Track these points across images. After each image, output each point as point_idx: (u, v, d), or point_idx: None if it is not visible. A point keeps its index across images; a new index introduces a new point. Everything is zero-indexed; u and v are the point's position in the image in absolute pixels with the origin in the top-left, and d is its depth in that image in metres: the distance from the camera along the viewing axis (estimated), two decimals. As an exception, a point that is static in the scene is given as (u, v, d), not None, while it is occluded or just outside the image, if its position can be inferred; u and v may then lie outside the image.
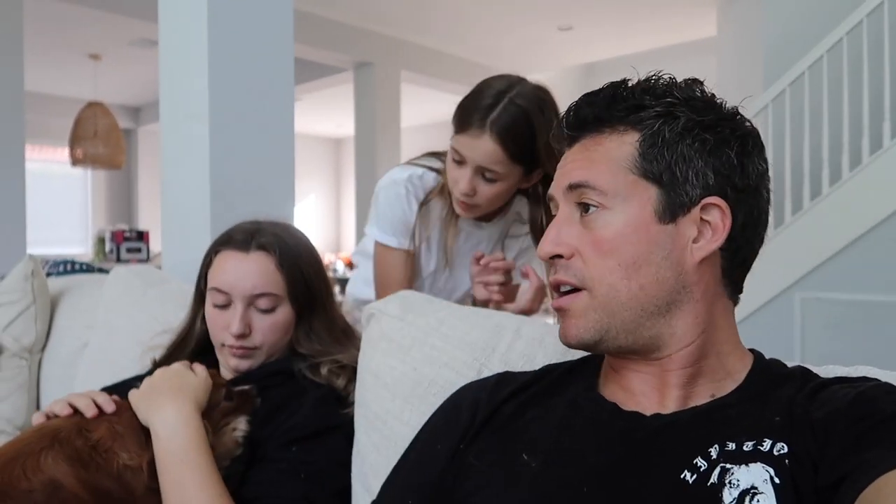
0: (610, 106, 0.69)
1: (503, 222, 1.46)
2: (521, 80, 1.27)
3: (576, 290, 0.68)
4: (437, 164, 1.42)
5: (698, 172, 0.65)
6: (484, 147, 1.21)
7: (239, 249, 1.08)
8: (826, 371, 0.70)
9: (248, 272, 1.06)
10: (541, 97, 1.25)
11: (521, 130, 1.21)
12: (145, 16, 4.56)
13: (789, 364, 0.70)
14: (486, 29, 6.02)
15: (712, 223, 0.65)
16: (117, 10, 4.67)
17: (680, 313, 0.65)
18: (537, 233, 1.38)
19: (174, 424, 0.89)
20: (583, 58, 7.19)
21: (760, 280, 3.88)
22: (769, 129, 4.01)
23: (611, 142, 0.68)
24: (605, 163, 0.67)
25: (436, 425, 0.79)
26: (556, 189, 0.71)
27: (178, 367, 0.99)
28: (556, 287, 0.70)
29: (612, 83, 0.70)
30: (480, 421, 0.73)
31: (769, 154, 4.21)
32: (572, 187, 0.68)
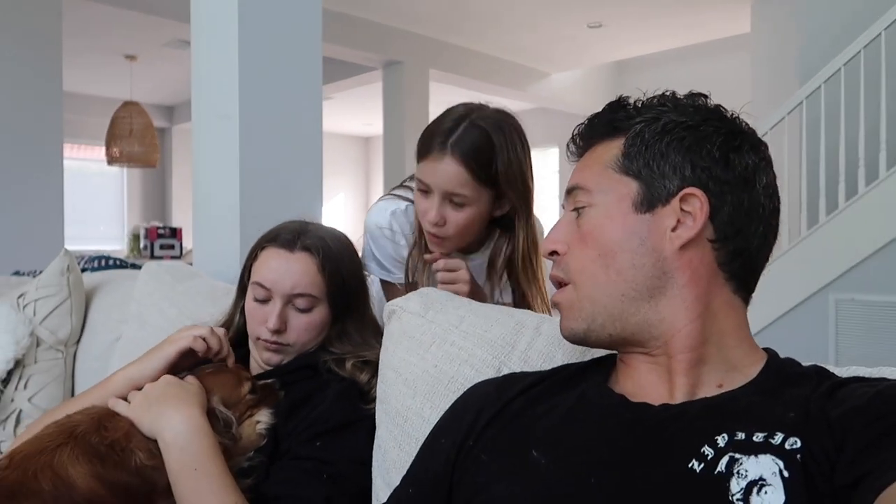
0: (607, 121, 0.75)
1: (488, 252, 1.39)
2: (481, 106, 1.26)
3: (565, 285, 0.74)
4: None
5: (675, 167, 0.69)
6: (447, 170, 1.19)
7: (284, 248, 1.11)
8: (846, 372, 0.69)
9: (290, 271, 1.09)
10: (500, 119, 1.24)
11: (483, 150, 1.19)
12: (180, 17, 4.64)
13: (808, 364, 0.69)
14: (516, 27, 6.00)
15: (692, 213, 0.68)
16: (152, 11, 4.77)
17: (664, 298, 0.68)
18: (491, 267, 1.35)
19: (186, 433, 0.88)
20: (613, 55, 7.12)
21: (793, 280, 3.81)
22: (803, 126, 3.94)
23: (602, 147, 0.75)
24: (593, 166, 0.74)
25: (443, 421, 0.81)
26: (563, 196, 0.78)
27: (170, 378, 0.98)
28: (556, 285, 0.76)
29: (610, 103, 0.76)
30: (487, 418, 0.75)
31: (803, 152, 4.14)
32: (569, 192, 0.76)
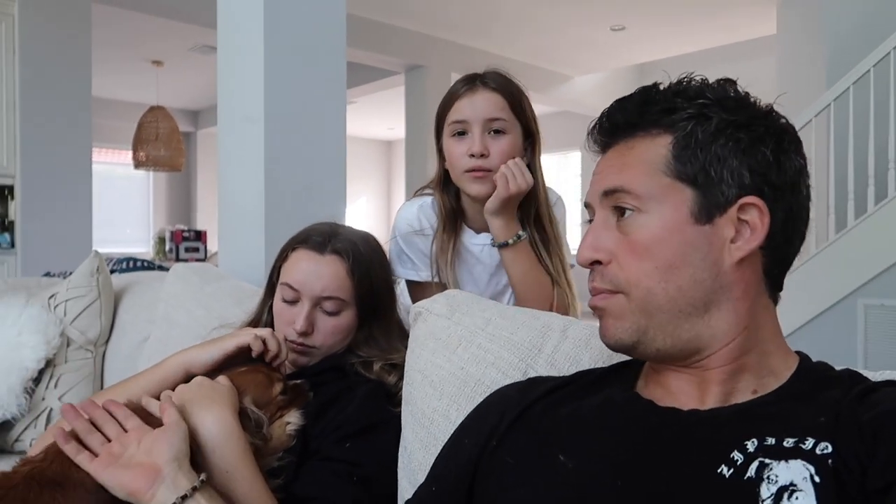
0: (642, 110, 0.69)
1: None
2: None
3: (613, 291, 0.68)
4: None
5: (733, 172, 0.65)
6: (484, 97, 1.29)
7: (315, 250, 1.11)
8: (879, 377, 0.68)
9: (320, 274, 1.10)
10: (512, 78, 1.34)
11: (511, 84, 1.32)
12: (206, 22, 4.70)
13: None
14: (538, 30, 5.99)
15: (750, 222, 0.65)
16: (179, 17, 4.84)
17: (718, 312, 0.65)
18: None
19: (219, 436, 0.87)
20: (635, 58, 7.08)
21: (822, 285, 3.74)
22: (831, 129, 3.87)
23: (643, 145, 0.68)
24: (638, 166, 0.67)
25: (467, 422, 0.81)
26: (592, 195, 0.72)
27: (202, 378, 0.97)
28: (595, 294, 0.71)
29: (643, 87, 0.70)
30: (510, 420, 0.74)
31: (830, 155, 4.07)
32: (607, 193, 0.69)
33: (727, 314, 0.65)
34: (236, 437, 0.89)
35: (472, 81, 1.31)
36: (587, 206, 0.73)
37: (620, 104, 0.71)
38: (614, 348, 0.69)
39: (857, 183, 3.92)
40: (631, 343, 0.67)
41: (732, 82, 0.69)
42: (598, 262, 0.69)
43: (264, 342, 1.04)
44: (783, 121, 0.68)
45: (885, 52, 3.72)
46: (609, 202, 0.69)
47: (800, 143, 0.68)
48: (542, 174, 1.37)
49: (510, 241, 1.30)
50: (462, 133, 1.30)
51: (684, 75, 0.70)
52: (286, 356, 1.08)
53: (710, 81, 0.69)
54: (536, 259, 1.34)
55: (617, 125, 0.71)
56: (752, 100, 0.68)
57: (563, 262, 1.38)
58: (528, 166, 1.32)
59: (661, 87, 0.70)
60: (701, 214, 0.65)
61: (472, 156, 1.27)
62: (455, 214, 1.39)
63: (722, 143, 0.65)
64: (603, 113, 0.72)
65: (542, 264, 1.35)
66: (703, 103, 0.66)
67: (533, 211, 1.36)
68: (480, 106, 1.28)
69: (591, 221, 0.73)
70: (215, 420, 0.88)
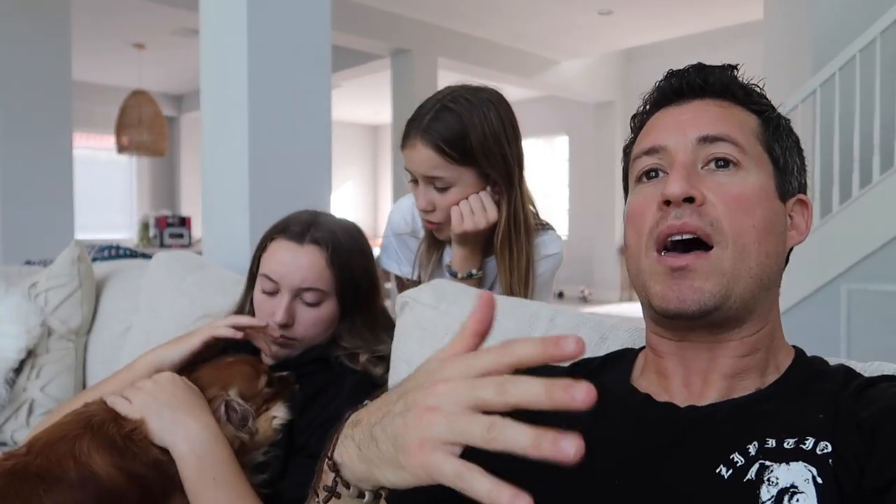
0: (731, 80, 0.69)
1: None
2: (460, 87, 1.25)
3: (700, 247, 0.62)
4: None
5: (798, 168, 0.68)
6: (419, 155, 1.20)
7: (293, 240, 1.09)
8: (872, 368, 0.68)
9: (299, 265, 1.07)
10: (475, 96, 1.22)
11: (452, 129, 1.18)
12: (188, 5, 4.64)
13: (834, 360, 0.68)
14: (525, 14, 5.96)
15: (795, 219, 0.67)
16: (160, -1, 4.77)
17: (768, 295, 0.64)
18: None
19: (204, 443, 0.86)
20: (623, 43, 7.06)
21: (805, 270, 3.78)
22: (817, 114, 3.89)
23: (738, 110, 0.67)
24: (739, 125, 0.66)
25: None
26: (679, 137, 0.65)
27: (175, 378, 0.95)
28: (677, 233, 0.62)
29: (723, 66, 0.69)
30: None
31: (816, 140, 4.09)
32: (709, 139, 0.64)
33: (772, 301, 0.66)
34: (222, 444, 0.88)
35: (417, 126, 1.21)
36: (655, 150, 0.66)
37: (706, 67, 0.69)
38: (690, 314, 0.61)
39: (843, 168, 3.94)
40: (713, 307, 0.61)
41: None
42: (691, 200, 0.62)
43: (231, 328, 1.04)
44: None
45: (871, 37, 3.73)
46: (707, 150, 0.64)
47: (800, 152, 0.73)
48: (525, 207, 1.28)
49: (460, 275, 1.26)
50: (414, 181, 1.26)
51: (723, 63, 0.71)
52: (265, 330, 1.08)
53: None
54: None
55: (710, 83, 0.68)
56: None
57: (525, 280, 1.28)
58: (506, 197, 1.24)
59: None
60: (778, 192, 0.66)
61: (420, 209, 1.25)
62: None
63: (793, 139, 0.68)
64: (689, 68, 0.69)
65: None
66: (766, 102, 0.69)
67: (499, 243, 1.25)
68: (418, 163, 1.21)
69: (648, 174, 0.66)
70: (200, 427, 0.87)
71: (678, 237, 0.62)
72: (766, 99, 0.70)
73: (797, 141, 0.69)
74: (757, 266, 0.62)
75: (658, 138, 0.66)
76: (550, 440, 0.40)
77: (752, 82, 0.70)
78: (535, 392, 0.42)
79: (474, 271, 1.26)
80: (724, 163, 0.64)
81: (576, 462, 0.39)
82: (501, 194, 1.24)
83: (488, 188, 1.23)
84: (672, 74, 0.70)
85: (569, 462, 0.40)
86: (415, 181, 1.25)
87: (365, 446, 0.48)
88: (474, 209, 1.20)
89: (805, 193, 0.69)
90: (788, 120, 0.70)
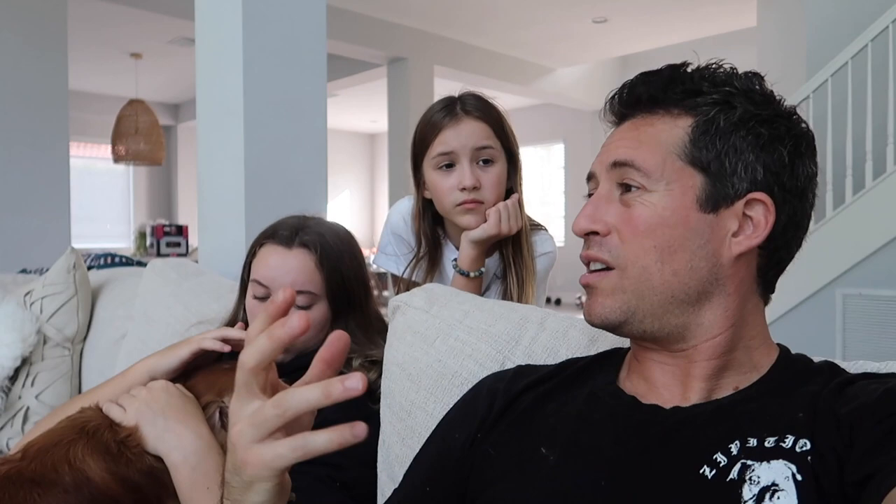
0: (667, 87, 0.68)
1: (492, 259, 1.40)
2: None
3: (606, 269, 0.67)
4: None
5: (748, 166, 0.64)
6: (470, 126, 1.25)
7: (282, 244, 1.10)
8: (856, 367, 0.68)
9: (288, 268, 1.08)
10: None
11: (492, 109, 1.28)
12: (185, 14, 4.66)
13: (820, 360, 0.68)
14: (521, 23, 5.99)
15: (755, 219, 0.64)
16: (157, 9, 4.78)
17: (709, 305, 0.65)
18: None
19: (198, 452, 0.86)
20: (618, 50, 7.10)
21: (800, 275, 3.79)
22: (810, 120, 3.91)
23: (663, 124, 0.67)
24: (653, 145, 0.66)
25: (453, 416, 0.79)
26: (599, 165, 0.70)
27: (169, 386, 0.95)
28: (587, 263, 0.69)
29: (672, 65, 0.69)
30: (497, 411, 0.73)
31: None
32: (616, 165, 0.67)
33: (718, 308, 0.65)
34: (215, 453, 0.87)
35: (453, 109, 1.26)
36: (590, 176, 0.71)
37: (646, 77, 0.69)
38: (600, 326, 0.68)
39: (836, 174, 3.96)
40: (617, 322, 0.66)
41: (760, 77, 0.68)
42: (595, 233, 0.67)
43: (222, 340, 1.04)
44: (804, 125, 0.68)
45: (863, 44, 3.76)
46: (616, 175, 0.68)
47: (815, 151, 0.68)
48: (523, 198, 1.33)
49: (471, 273, 1.28)
50: (450, 165, 1.26)
51: (713, 61, 0.68)
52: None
53: (739, 72, 0.68)
54: (481, 295, 1.32)
55: (638, 98, 0.69)
56: (777, 98, 0.68)
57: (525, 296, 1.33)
58: (511, 190, 1.31)
59: (689, 68, 0.68)
60: (707, 203, 0.64)
61: (464, 189, 1.24)
62: (436, 243, 1.37)
63: (742, 134, 0.65)
64: (625, 84, 0.71)
65: (507, 290, 1.33)
66: (730, 91, 0.66)
67: (510, 240, 1.31)
68: (467, 136, 1.24)
69: (590, 195, 0.71)
70: (194, 436, 0.87)
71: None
72: (727, 87, 0.66)
73: (760, 135, 0.64)
74: (662, 284, 0.64)
75: (593, 166, 0.71)
76: (338, 385, 0.46)
77: (717, 69, 0.67)
78: (313, 395, 0.47)
79: (482, 270, 1.30)
80: (627, 187, 0.67)
81: (362, 394, 0.45)
82: (517, 179, 1.31)
83: (515, 196, 1.28)
84: (616, 93, 0.72)
85: (358, 394, 0.45)
86: (448, 165, 1.25)
87: (229, 493, 0.54)
88: (511, 214, 1.25)
89: (770, 191, 0.64)
90: (754, 113, 0.65)
